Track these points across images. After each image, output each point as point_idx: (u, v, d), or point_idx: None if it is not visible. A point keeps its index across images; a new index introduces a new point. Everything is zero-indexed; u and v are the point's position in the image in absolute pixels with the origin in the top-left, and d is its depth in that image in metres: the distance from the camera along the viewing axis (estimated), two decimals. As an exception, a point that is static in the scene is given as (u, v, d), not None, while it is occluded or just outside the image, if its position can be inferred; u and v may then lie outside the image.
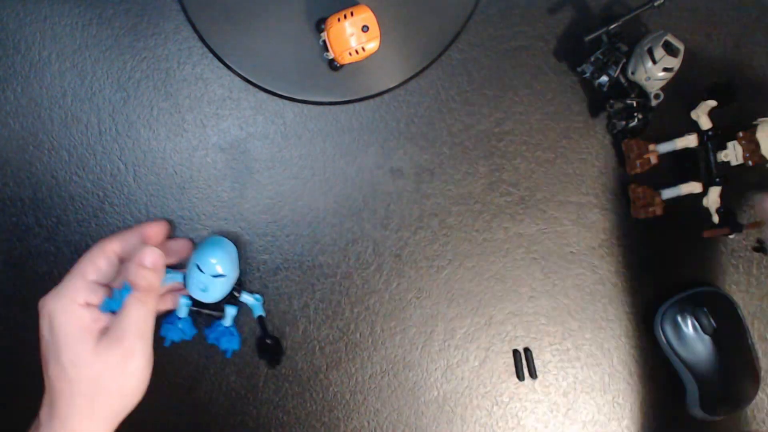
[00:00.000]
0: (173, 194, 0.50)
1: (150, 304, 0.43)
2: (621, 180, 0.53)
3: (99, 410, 0.42)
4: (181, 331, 0.49)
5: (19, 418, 0.52)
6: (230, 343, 0.49)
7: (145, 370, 0.43)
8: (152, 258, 0.43)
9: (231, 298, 0.48)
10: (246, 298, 0.49)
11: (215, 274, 0.45)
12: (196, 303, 0.48)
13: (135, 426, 0.52)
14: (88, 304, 0.43)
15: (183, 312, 0.49)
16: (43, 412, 0.43)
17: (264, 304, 0.50)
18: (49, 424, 0.42)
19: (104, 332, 0.43)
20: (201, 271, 0.45)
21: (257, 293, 0.50)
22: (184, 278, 0.46)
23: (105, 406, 0.43)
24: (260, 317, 0.50)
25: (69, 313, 0.43)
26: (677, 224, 0.54)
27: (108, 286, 0.45)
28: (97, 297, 0.44)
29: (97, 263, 0.45)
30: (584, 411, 0.54)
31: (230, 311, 0.49)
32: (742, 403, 0.52)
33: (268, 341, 0.50)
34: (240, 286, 0.49)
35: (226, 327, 0.49)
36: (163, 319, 0.49)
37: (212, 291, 0.46)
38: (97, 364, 0.42)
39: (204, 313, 0.49)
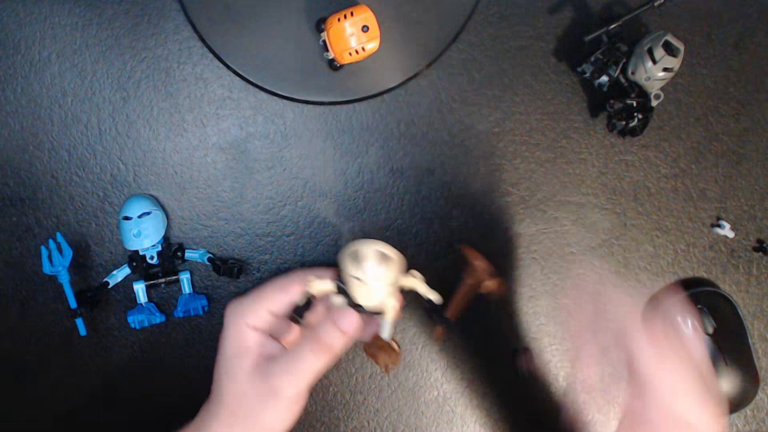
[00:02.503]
0: (173, 194, 0.50)
1: (321, 361, 0.42)
2: (621, 180, 0.53)
3: (236, 425, 0.43)
4: (146, 316, 0.49)
5: (21, 418, 0.52)
6: (199, 303, 0.50)
7: (289, 414, 0.43)
8: (349, 324, 0.42)
9: (176, 259, 0.50)
10: (190, 254, 0.50)
11: (140, 213, 0.48)
12: (147, 277, 0.49)
13: (137, 427, 0.52)
14: (257, 328, 0.44)
15: (141, 297, 0.50)
16: (203, 407, 0.45)
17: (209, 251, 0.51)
18: (202, 418, 0.44)
19: (269, 359, 0.43)
20: (128, 219, 0.48)
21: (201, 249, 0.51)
22: (128, 266, 0.49)
23: (242, 425, 0.43)
24: (209, 258, 0.50)
25: (236, 328, 0.44)
26: (675, 222, 0.54)
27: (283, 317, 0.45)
28: (267, 324, 0.44)
29: (278, 296, 0.44)
30: (584, 411, 0.54)
31: (184, 276, 0.50)
32: (742, 402, 0.52)
33: (222, 264, 0.50)
34: (180, 248, 0.50)
35: (188, 294, 0.50)
36: (127, 311, 0.50)
37: (145, 232, 0.48)
38: (245, 385, 0.43)
39: (162, 285, 0.50)
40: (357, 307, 0.42)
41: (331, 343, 0.42)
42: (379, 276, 0.40)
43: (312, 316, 0.45)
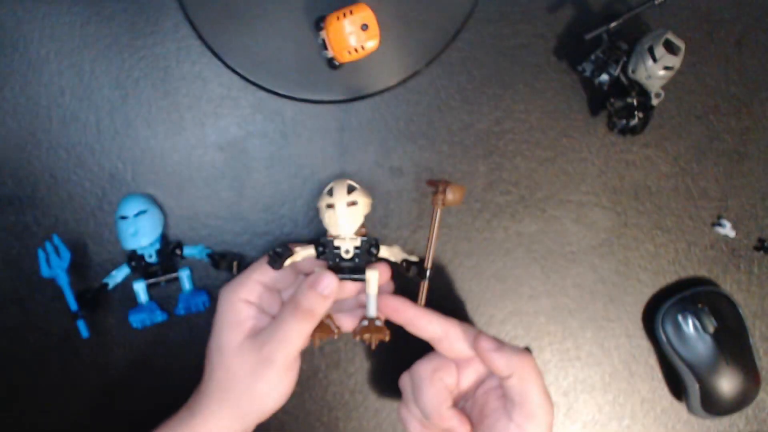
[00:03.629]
0: (171, 193, 0.50)
1: (304, 325, 0.43)
2: (621, 179, 0.53)
3: (228, 401, 0.44)
4: (148, 315, 0.49)
5: (20, 418, 0.52)
6: (200, 299, 0.50)
7: (281, 383, 0.44)
8: (326, 286, 0.43)
9: (175, 257, 0.50)
10: (189, 251, 0.50)
11: (137, 212, 0.48)
12: (147, 276, 0.49)
13: (137, 426, 0.52)
14: (248, 301, 0.45)
15: (142, 296, 0.49)
16: (195, 389, 0.46)
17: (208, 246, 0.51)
18: (193, 399, 0.45)
19: (260, 330, 0.45)
20: (124, 218, 0.47)
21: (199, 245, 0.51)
22: (128, 266, 0.49)
23: (234, 401, 0.44)
24: (208, 253, 0.50)
25: (229, 304, 0.45)
26: (676, 221, 0.53)
27: (278, 290, 0.47)
28: (258, 297, 0.46)
29: (265, 266, 0.46)
30: (584, 411, 0.54)
31: (184, 273, 0.50)
32: (743, 402, 0.52)
33: (220, 258, 0.50)
34: (179, 246, 0.50)
35: (189, 291, 0.50)
36: (129, 310, 0.50)
37: (142, 231, 0.47)
38: (236, 358, 0.44)
39: (162, 283, 0.50)
40: (338, 272, 0.44)
41: (310, 307, 0.43)
42: (349, 200, 0.44)
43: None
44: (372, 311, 0.46)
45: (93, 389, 0.52)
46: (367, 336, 0.46)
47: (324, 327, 0.46)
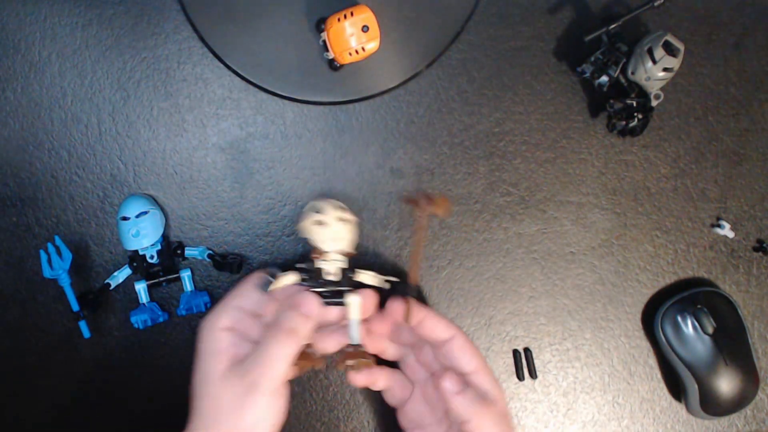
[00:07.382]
0: (173, 194, 0.50)
1: (288, 347, 0.42)
2: (621, 180, 0.53)
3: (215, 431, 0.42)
4: (149, 315, 0.49)
5: (21, 418, 0.52)
6: (201, 300, 0.50)
7: (270, 411, 0.42)
8: (309, 307, 0.43)
9: (177, 257, 0.50)
10: (190, 252, 0.50)
11: (138, 213, 0.48)
12: (149, 276, 0.49)
13: (138, 427, 0.52)
14: (228, 329, 0.44)
15: (143, 297, 0.50)
16: (188, 419, 0.44)
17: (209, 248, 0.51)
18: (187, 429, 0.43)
19: (241, 360, 0.43)
20: (126, 219, 0.47)
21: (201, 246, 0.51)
22: (129, 267, 0.49)
23: (222, 430, 0.42)
24: (209, 254, 0.50)
25: (209, 333, 0.44)
26: (675, 222, 0.54)
27: (258, 315, 0.46)
28: (238, 323, 0.44)
29: (246, 291, 0.45)
30: (584, 411, 0.54)
31: (185, 274, 0.50)
32: (741, 403, 0.52)
33: (222, 259, 0.50)
34: (180, 247, 0.50)
35: (190, 292, 0.50)
36: (130, 310, 0.50)
37: (143, 232, 0.48)
38: (221, 387, 0.42)
39: (164, 284, 0.50)
40: (321, 294, 0.44)
41: (292, 327, 0.42)
42: (341, 215, 0.44)
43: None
44: (355, 338, 0.44)
45: (94, 389, 0.52)
46: (351, 362, 0.44)
47: (306, 355, 0.44)
